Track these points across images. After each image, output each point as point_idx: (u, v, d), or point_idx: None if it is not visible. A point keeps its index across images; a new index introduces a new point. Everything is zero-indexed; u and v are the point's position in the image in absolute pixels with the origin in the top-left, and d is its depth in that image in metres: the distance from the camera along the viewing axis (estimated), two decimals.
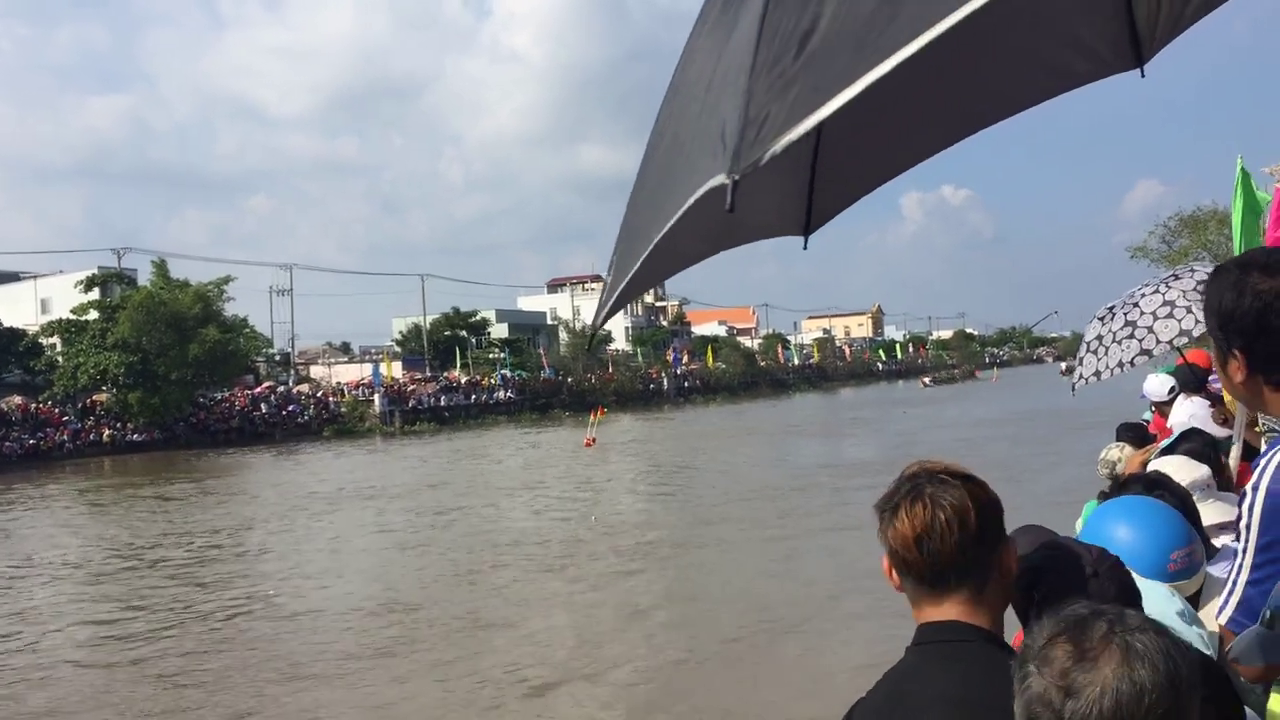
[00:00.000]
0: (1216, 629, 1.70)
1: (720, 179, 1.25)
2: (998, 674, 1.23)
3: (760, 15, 1.39)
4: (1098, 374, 4.04)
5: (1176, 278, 4.05)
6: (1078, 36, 2.16)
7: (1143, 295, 4.03)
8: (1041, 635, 1.04)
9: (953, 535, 1.36)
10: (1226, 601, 1.56)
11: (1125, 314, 4.00)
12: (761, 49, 1.58)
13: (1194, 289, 3.83)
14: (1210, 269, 4.11)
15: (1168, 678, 0.96)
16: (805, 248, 2.34)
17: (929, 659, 1.40)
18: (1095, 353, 4.07)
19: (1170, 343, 3.83)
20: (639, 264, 1.59)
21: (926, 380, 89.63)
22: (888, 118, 2.05)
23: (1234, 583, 1.56)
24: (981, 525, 1.38)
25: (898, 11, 1.16)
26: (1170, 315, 3.81)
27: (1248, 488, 1.55)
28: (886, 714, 1.40)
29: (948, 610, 1.40)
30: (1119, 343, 3.93)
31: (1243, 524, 1.54)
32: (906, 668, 1.45)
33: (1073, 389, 4.35)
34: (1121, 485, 2.58)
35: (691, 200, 1.34)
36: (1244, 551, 1.55)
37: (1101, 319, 4.17)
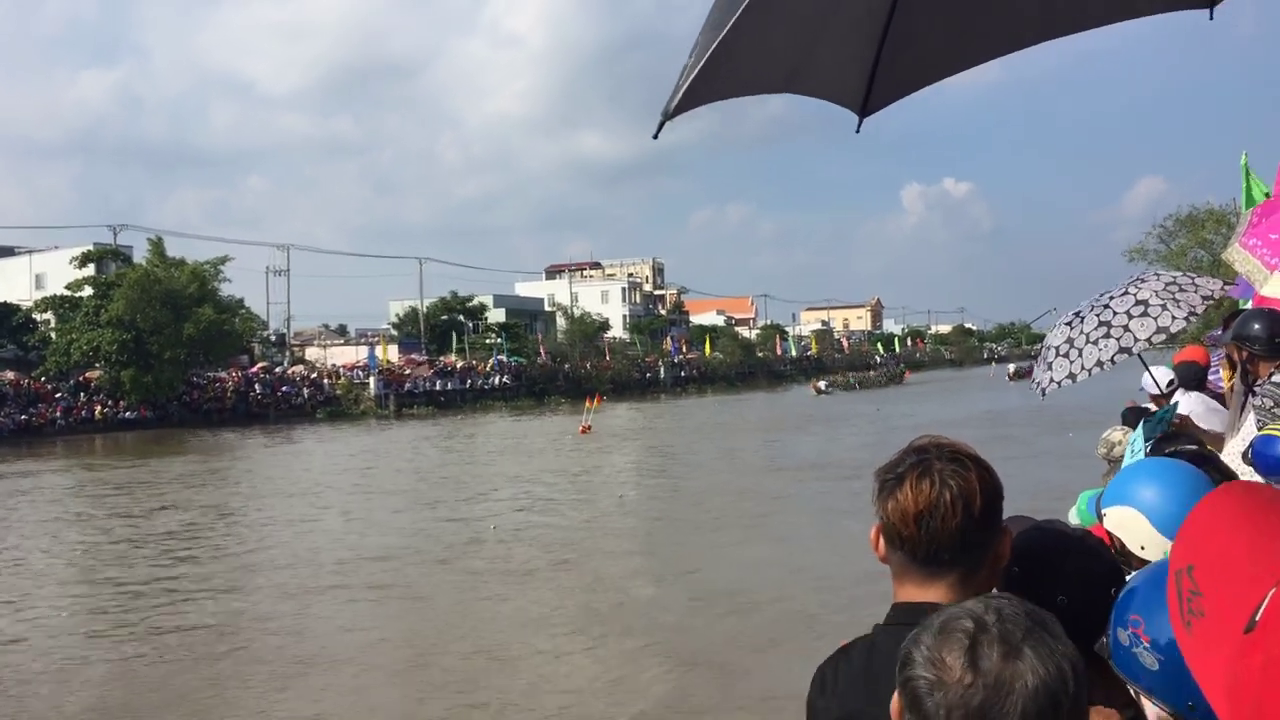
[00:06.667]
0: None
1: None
2: None
3: None
4: (1071, 376, 3.95)
5: (1143, 280, 4.06)
6: None
7: (1111, 298, 4.04)
8: (930, 653, 0.98)
9: (955, 517, 1.33)
10: None
11: (1098, 315, 3.97)
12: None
13: (1164, 289, 3.89)
14: (1171, 275, 4.10)
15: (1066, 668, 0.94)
16: (858, 131, 2.37)
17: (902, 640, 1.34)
18: (1066, 356, 4.01)
19: (1149, 340, 3.80)
20: (708, 55, 1.68)
21: (820, 385, 67.02)
22: (955, 12, 2.14)
23: None
24: (985, 510, 1.35)
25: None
26: (1145, 314, 3.81)
27: None
28: (868, 693, 1.32)
29: (932, 592, 1.36)
30: (1094, 343, 3.90)
31: None
32: (877, 647, 1.38)
33: (1042, 393, 4.20)
34: (1166, 438, 2.57)
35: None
36: None
37: (1069, 324, 4.12)
